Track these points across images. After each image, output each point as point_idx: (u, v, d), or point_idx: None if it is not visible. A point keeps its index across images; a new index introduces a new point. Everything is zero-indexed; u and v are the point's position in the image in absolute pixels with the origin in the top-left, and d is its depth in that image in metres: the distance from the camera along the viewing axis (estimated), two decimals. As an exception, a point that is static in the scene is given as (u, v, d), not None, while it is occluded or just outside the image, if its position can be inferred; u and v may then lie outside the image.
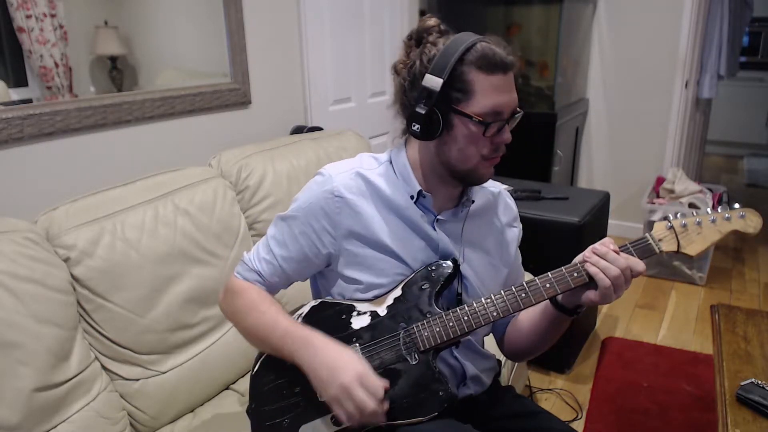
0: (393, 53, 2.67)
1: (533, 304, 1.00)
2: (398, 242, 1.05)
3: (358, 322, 1.05)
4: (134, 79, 1.72)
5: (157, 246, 1.36)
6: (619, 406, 2.11)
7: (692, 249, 0.99)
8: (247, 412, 1.09)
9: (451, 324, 1.01)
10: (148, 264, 1.34)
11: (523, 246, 1.23)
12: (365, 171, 1.06)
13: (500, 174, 1.08)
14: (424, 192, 1.04)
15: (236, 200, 1.63)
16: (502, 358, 1.31)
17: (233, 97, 2.02)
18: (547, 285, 0.99)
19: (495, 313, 1.00)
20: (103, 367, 1.28)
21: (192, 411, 1.43)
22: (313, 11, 2.32)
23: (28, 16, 1.41)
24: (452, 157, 1.00)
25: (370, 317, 1.05)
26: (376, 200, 1.05)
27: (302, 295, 1.23)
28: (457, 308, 1.02)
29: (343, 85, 2.58)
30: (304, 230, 1.05)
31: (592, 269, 0.96)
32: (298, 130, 2.25)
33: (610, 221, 2.61)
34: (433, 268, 1.04)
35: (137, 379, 1.32)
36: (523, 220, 1.24)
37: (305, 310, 1.09)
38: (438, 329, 1.01)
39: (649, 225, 3.20)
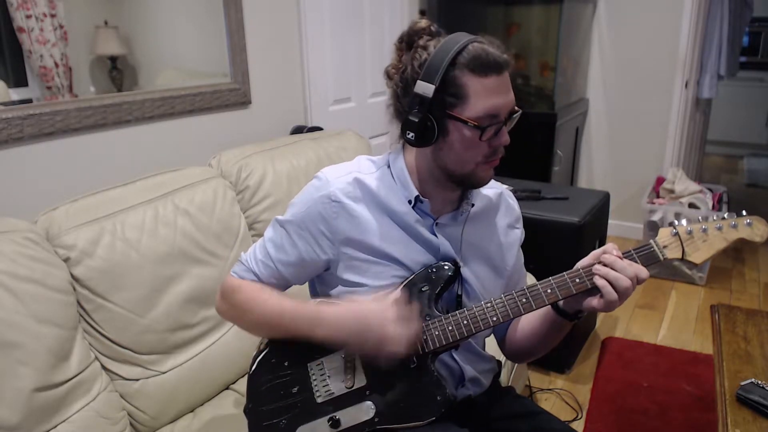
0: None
1: (534, 309, 1.00)
2: (396, 247, 1.04)
3: None
4: (134, 79, 1.72)
5: (157, 246, 1.36)
6: (619, 406, 2.10)
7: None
8: (245, 411, 1.09)
9: (450, 328, 1.00)
10: (148, 264, 1.34)
11: (523, 246, 1.22)
12: (363, 175, 1.05)
13: (500, 174, 1.07)
14: (421, 197, 1.03)
15: (236, 200, 1.63)
16: (503, 359, 1.30)
17: (233, 97, 2.02)
18: (549, 290, 0.98)
19: (495, 318, 0.99)
20: (103, 367, 1.28)
21: (192, 411, 1.43)
22: (313, 11, 2.32)
23: (28, 16, 1.41)
24: (449, 162, 0.98)
25: None
26: (373, 205, 1.04)
27: (302, 296, 1.23)
28: (457, 312, 1.01)
29: (343, 85, 2.58)
30: (302, 235, 1.04)
31: (600, 281, 0.94)
32: (298, 130, 2.25)
33: (610, 221, 2.61)
34: (434, 269, 1.04)
35: (137, 379, 1.32)
36: (523, 220, 1.22)
37: (305, 310, 1.09)
38: (437, 333, 1.01)
39: (649, 225, 3.20)
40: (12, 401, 1.06)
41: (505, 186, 1.22)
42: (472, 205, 1.08)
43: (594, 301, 0.96)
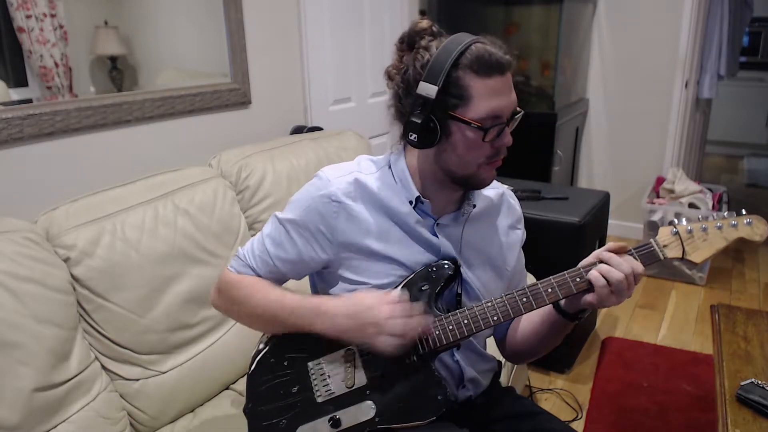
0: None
1: (535, 309, 0.99)
2: (396, 247, 1.03)
3: None
4: (134, 79, 1.72)
5: (157, 246, 1.36)
6: (619, 406, 2.10)
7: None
8: (244, 411, 1.08)
9: (451, 327, 1.00)
10: (148, 264, 1.34)
11: (524, 246, 1.21)
12: (363, 175, 1.04)
13: (500, 174, 1.06)
14: (422, 198, 1.03)
15: (236, 200, 1.63)
16: (503, 359, 1.30)
17: (233, 97, 2.02)
18: (549, 290, 0.98)
19: (496, 317, 0.99)
20: (103, 367, 1.28)
21: (192, 411, 1.43)
22: (313, 11, 2.32)
23: (28, 16, 1.41)
24: (452, 163, 0.98)
25: None
26: (373, 205, 1.03)
27: (301, 292, 1.22)
28: (458, 311, 1.01)
29: (343, 85, 2.58)
30: (301, 234, 1.04)
31: (593, 274, 0.95)
32: (298, 130, 2.25)
33: (610, 221, 2.61)
34: (434, 268, 1.03)
35: (137, 379, 1.32)
36: (524, 220, 1.23)
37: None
38: (438, 332, 1.01)
39: (649, 225, 3.20)
40: (12, 401, 1.06)
41: (506, 186, 1.22)
42: (474, 205, 1.08)
43: (589, 296, 0.96)
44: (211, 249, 1.48)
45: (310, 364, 1.05)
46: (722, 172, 5.50)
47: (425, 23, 1.00)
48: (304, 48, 2.32)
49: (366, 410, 1.02)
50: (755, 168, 5.53)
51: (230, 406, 1.44)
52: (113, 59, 1.65)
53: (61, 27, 1.49)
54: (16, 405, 1.06)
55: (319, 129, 2.23)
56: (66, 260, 1.23)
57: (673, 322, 2.76)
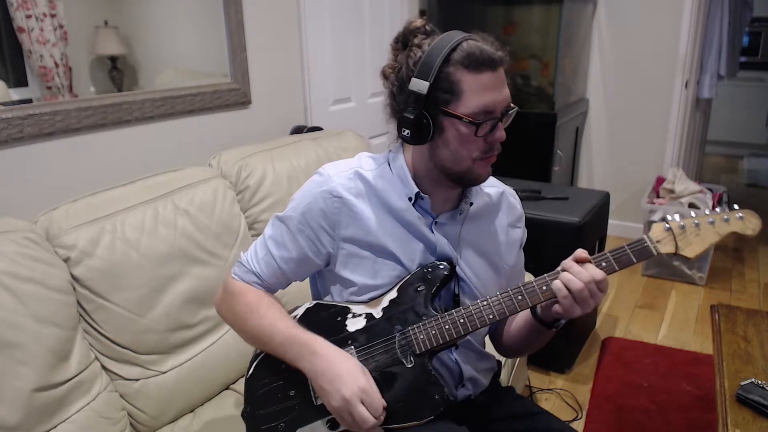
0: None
1: (529, 306, 1.00)
2: (396, 244, 1.04)
3: (354, 325, 1.05)
4: (134, 79, 1.72)
5: (157, 246, 1.36)
6: (619, 406, 2.11)
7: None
8: (242, 415, 1.08)
9: (447, 327, 1.00)
10: (148, 264, 1.34)
11: (524, 246, 1.22)
12: (364, 172, 1.05)
13: (500, 174, 1.07)
14: (422, 194, 1.03)
15: (236, 200, 1.63)
16: (502, 359, 1.31)
17: (233, 97, 2.02)
18: (544, 288, 0.98)
19: (491, 316, 0.99)
20: (103, 367, 1.28)
21: (192, 411, 1.43)
22: (313, 11, 2.32)
23: (28, 16, 1.41)
24: (446, 159, 0.99)
25: (365, 319, 1.04)
26: (374, 201, 1.04)
27: (302, 295, 1.23)
28: (453, 311, 1.01)
29: (343, 85, 2.58)
30: (302, 230, 1.05)
31: (556, 284, 0.95)
32: (298, 130, 2.25)
33: (610, 221, 2.61)
34: (429, 269, 1.04)
35: (137, 379, 1.32)
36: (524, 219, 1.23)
37: (300, 312, 1.09)
38: (434, 332, 1.01)
39: (650, 225, 3.19)
40: (12, 401, 1.06)
41: (507, 186, 1.22)
42: (471, 203, 1.08)
43: (556, 306, 0.97)
44: (211, 249, 1.48)
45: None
46: (722, 172, 5.50)
47: (419, 22, 1.01)
48: (304, 48, 2.32)
49: (364, 411, 1.02)
50: (755, 168, 5.53)
51: (230, 407, 1.44)
52: (113, 59, 1.65)
53: (61, 27, 1.49)
54: (16, 405, 1.06)
55: (319, 129, 2.23)
56: (66, 260, 1.23)
57: (673, 322, 2.76)
